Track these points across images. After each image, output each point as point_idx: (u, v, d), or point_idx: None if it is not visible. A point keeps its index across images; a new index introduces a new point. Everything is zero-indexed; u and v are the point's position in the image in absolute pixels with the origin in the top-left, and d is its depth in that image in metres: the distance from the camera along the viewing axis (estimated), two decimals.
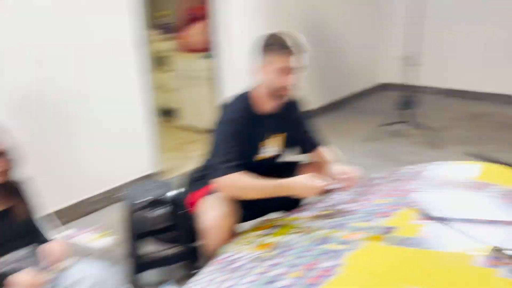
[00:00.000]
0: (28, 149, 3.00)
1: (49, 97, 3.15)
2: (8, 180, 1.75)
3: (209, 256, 2.05)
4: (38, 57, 3.03)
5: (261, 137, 2.08)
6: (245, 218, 2.14)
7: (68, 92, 3.24)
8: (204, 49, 5.03)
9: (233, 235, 1.97)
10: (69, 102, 3.27)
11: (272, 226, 1.93)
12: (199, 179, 2.29)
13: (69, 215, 3.36)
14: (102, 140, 3.53)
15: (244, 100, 2.03)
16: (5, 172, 1.71)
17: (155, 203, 2.52)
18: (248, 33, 4.59)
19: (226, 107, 2.06)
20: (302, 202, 2.26)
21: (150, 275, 2.55)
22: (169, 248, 2.83)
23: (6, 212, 1.73)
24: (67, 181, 3.35)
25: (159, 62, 5.56)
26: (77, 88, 3.29)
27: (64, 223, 3.26)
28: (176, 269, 2.63)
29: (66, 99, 3.24)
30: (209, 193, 2.10)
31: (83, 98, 3.34)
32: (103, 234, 1.91)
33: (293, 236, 1.74)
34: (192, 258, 2.56)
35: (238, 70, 4.63)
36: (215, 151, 1.96)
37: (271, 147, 2.14)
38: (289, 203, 2.19)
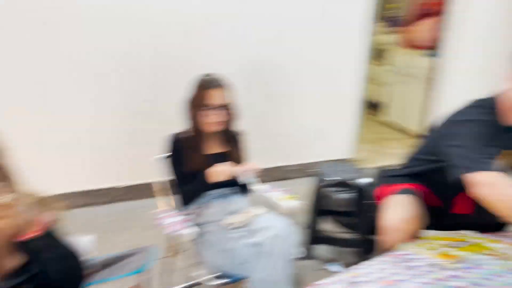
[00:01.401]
0: (245, 109, 3.48)
1: (271, 71, 3.51)
2: (228, 129, 2.06)
3: (384, 252, 2.02)
4: (277, 35, 3.39)
5: (497, 150, 1.81)
6: (432, 227, 2.01)
7: (288, 67, 3.54)
8: (429, 46, 4.76)
9: (414, 238, 1.89)
10: (286, 77, 3.57)
11: (462, 240, 1.77)
12: (394, 176, 2.24)
13: (266, 176, 3.74)
14: (309, 118, 3.76)
15: (490, 106, 1.81)
16: (227, 122, 2.02)
17: (343, 185, 2.59)
18: (485, 37, 4.13)
19: (468, 108, 1.88)
20: (506, 227, 2.00)
21: (322, 250, 2.65)
22: (346, 232, 2.88)
23: (223, 154, 2.05)
24: (271, 146, 3.71)
25: (377, 54, 5.52)
26: (296, 66, 3.56)
27: (264, 181, 3.68)
28: (347, 253, 2.68)
29: (284, 73, 3.55)
30: (398, 192, 2.04)
31: (299, 76, 3.60)
32: (292, 196, 2.08)
33: (484, 257, 1.57)
34: (366, 248, 2.55)
35: (463, 73, 4.24)
36: (460, 148, 1.76)
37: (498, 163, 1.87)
38: (490, 225, 1.96)
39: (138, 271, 1.44)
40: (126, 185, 3.36)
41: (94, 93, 3.07)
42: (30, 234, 1.03)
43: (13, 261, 1.03)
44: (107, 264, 1.48)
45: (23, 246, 1.04)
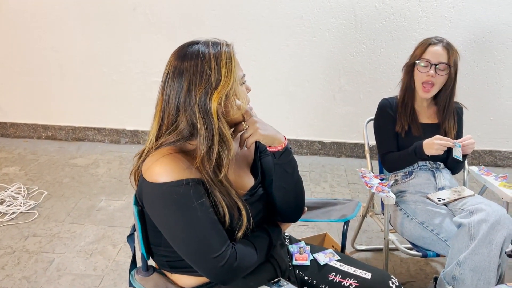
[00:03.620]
0: (467, 82, 3.18)
1: (503, 42, 3.08)
2: (445, 99, 1.91)
3: None
4: None
5: None
6: None
7: None
8: None
9: None
10: None
11: None
12: None
13: (475, 159, 3.43)
14: None
15: None
16: (445, 89, 1.86)
17: None
18: None
19: None
20: None
21: None
22: None
23: (437, 126, 1.94)
24: (486, 127, 3.34)
25: None
26: None
27: (472, 164, 3.38)
28: None
29: None
30: None
31: None
32: (507, 185, 1.87)
33: None
34: None
35: None
36: None
37: None
38: None
39: (344, 220, 1.55)
40: (326, 141, 3.54)
41: (308, 52, 3.24)
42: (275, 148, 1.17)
43: (250, 181, 1.23)
44: (315, 206, 1.64)
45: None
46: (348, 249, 2.35)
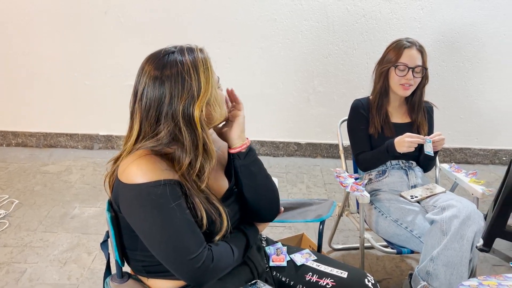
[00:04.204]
0: (437, 81, 3.26)
1: (470, 43, 3.17)
2: (417, 98, 1.96)
3: None
4: None
5: None
6: None
7: (490, 39, 3.16)
8: None
9: None
10: (486, 49, 3.19)
11: None
12: None
13: (447, 156, 3.52)
14: (506, 99, 3.33)
15: None
16: (417, 89, 1.92)
17: None
18: None
19: None
20: None
21: (501, 244, 2.42)
22: None
23: (409, 125, 1.99)
24: (457, 125, 3.43)
25: None
26: (502, 38, 3.14)
27: (444, 161, 3.48)
28: None
29: (484, 45, 3.18)
30: None
31: (502, 49, 3.18)
32: (478, 181, 1.92)
33: None
34: None
35: None
36: None
37: None
38: None
39: (319, 220, 1.56)
40: (301, 142, 3.56)
41: (282, 54, 3.26)
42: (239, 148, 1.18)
43: (225, 183, 1.23)
44: (291, 207, 1.64)
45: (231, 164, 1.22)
46: (325, 248, 2.38)
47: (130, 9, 3.15)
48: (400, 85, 1.88)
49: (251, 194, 1.21)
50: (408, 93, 1.91)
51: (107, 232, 1.22)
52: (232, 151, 1.18)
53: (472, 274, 1.68)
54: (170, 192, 1.01)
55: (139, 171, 1.01)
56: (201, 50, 1.11)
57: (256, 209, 1.24)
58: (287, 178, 3.25)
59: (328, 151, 3.56)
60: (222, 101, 1.14)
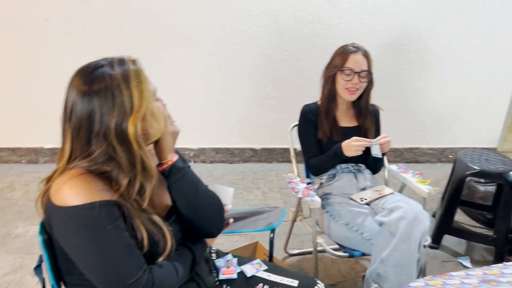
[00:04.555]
0: (383, 83, 3.35)
1: (415, 45, 3.29)
2: (363, 102, 1.99)
3: None
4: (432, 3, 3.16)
5: None
6: None
7: (436, 42, 3.28)
8: None
9: None
10: (430, 52, 3.31)
11: None
12: None
13: (396, 156, 3.61)
14: (451, 99, 3.47)
15: None
16: (364, 94, 1.95)
17: (486, 176, 2.37)
18: None
19: None
20: None
21: (449, 240, 2.50)
22: (483, 227, 2.67)
23: (356, 128, 2.02)
24: (405, 125, 3.53)
25: None
26: (446, 40, 3.27)
27: (394, 161, 3.57)
28: (478, 249, 2.48)
29: (429, 49, 3.29)
30: None
31: (445, 51, 3.31)
32: (424, 181, 1.98)
33: None
34: (501, 249, 2.34)
35: None
36: None
37: None
38: None
39: (270, 228, 1.55)
40: (257, 148, 3.55)
41: (233, 60, 3.25)
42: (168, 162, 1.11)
43: (168, 200, 1.18)
44: (242, 217, 1.62)
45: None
46: (281, 254, 2.37)
47: (73, 16, 3.02)
48: (346, 89, 1.91)
49: (186, 212, 1.16)
50: (354, 97, 1.94)
51: (41, 256, 1.14)
52: (160, 168, 1.12)
53: (420, 273, 1.71)
54: (106, 214, 0.95)
55: (72, 193, 0.95)
56: (133, 62, 1.04)
57: (196, 226, 1.19)
58: (243, 185, 3.22)
59: (283, 155, 3.56)
60: (160, 115, 1.07)
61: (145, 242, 1.01)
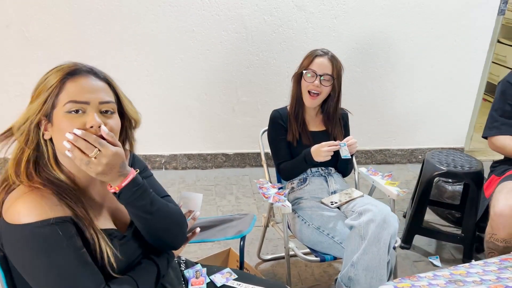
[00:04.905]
0: (351, 87, 3.39)
1: (382, 48, 3.34)
2: (331, 107, 1.98)
3: (494, 248, 1.88)
4: (394, 6, 3.22)
5: None
6: None
7: (401, 44, 3.34)
8: None
9: None
10: (397, 54, 3.36)
11: None
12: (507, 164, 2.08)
13: (367, 158, 3.66)
14: (417, 100, 3.53)
15: None
16: (330, 98, 1.95)
17: (452, 175, 2.42)
18: None
19: None
20: None
21: (420, 240, 2.54)
22: (451, 225, 2.73)
23: (325, 133, 2.03)
24: (374, 127, 3.58)
25: (507, 32, 4.94)
26: (411, 42, 3.34)
27: (366, 163, 3.62)
28: (448, 248, 2.53)
29: (395, 50, 3.35)
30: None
31: (411, 52, 3.37)
32: (393, 182, 2.00)
33: None
34: (469, 247, 2.39)
35: None
36: None
37: None
38: None
39: (240, 236, 1.53)
40: (229, 153, 3.53)
41: (203, 65, 3.22)
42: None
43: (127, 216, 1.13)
44: (211, 225, 1.59)
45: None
46: (255, 260, 2.36)
47: (35, 22, 2.93)
48: (308, 92, 1.92)
49: (144, 232, 1.11)
50: (315, 103, 1.95)
51: None
52: (109, 189, 1.03)
53: (391, 275, 1.73)
54: (61, 232, 0.92)
55: (25, 209, 0.91)
56: (58, 70, 1.03)
57: (155, 241, 1.15)
58: (216, 191, 3.19)
59: (256, 160, 3.55)
60: (64, 130, 0.98)
61: (105, 255, 0.98)
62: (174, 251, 1.24)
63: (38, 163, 1.00)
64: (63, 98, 0.98)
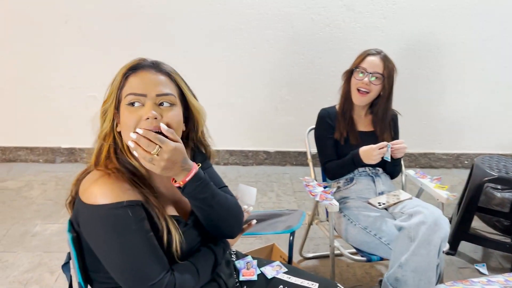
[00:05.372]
0: (400, 88, 3.33)
1: (432, 51, 3.27)
2: (380, 108, 1.97)
3: None
4: (447, 8, 3.15)
5: None
6: None
7: (452, 48, 3.26)
8: None
9: None
10: (447, 58, 3.29)
11: None
12: None
13: (411, 161, 3.60)
14: (467, 104, 3.45)
15: None
16: (379, 98, 1.94)
17: (505, 182, 2.35)
18: None
19: None
20: None
21: (465, 247, 2.48)
22: (501, 234, 2.65)
23: (373, 133, 2.02)
24: (420, 130, 3.52)
25: None
26: (462, 46, 3.26)
27: (409, 166, 3.56)
28: (495, 256, 2.46)
29: (445, 54, 3.28)
30: None
31: (462, 56, 3.29)
32: (442, 186, 1.97)
33: None
34: None
35: None
36: None
37: None
38: None
39: (289, 231, 1.55)
40: (270, 151, 3.56)
41: (248, 64, 3.26)
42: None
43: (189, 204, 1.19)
44: (261, 219, 1.62)
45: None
46: (296, 257, 2.37)
47: (91, 19, 3.07)
48: (357, 90, 1.91)
49: (204, 222, 1.16)
50: (363, 101, 1.94)
51: (69, 253, 1.16)
52: (174, 184, 1.07)
53: (439, 279, 1.70)
54: (132, 214, 0.97)
55: (101, 191, 0.97)
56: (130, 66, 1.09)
57: (214, 231, 1.19)
58: (257, 187, 3.20)
59: (297, 158, 3.57)
60: (124, 121, 1.04)
61: (176, 244, 1.03)
62: (229, 241, 1.28)
63: (115, 151, 1.06)
64: (125, 91, 1.03)
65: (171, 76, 1.10)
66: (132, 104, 1.02)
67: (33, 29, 3.08)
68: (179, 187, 1.06)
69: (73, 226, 1.09)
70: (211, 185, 1.11)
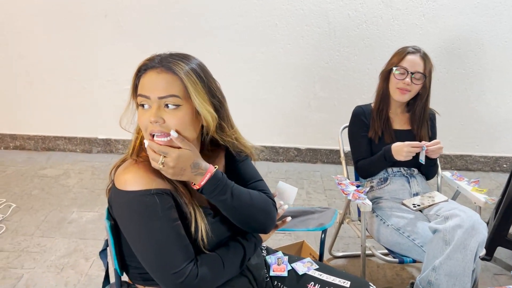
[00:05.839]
0: (438, 88, 3.25)
1: (472, 50, 3.17)
2: (418, 106, 1.92)
3: None
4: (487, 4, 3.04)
5: None
6: None
7: (492, 46, 3.15)
8: None
9: None
10: (487, 57, 3.19)
11: None
12: None
13: (447, 163, 3.50)
14: (507, 106, 3.32)
15: None
16: (418, 97, 1.90)
17: None
18: None
19: None
20: None
21: (502, 253, 2.40)
22: None
23: (410, 132, 1.98)
24: (457, 131, 3.42)
25: None
26: (502, 44, 3.14)
27: (444, 168, 3.47)
28: None
29: (485, 53, 3.17)
30: None
31: (502, 56, 3.17)
32: (480, 189, 1.90)
33: None
34: None
35: None
36: None
37: None
38: None
39: (321, 229, 1.54)
40: (301, 148, 3.54)
41: (283, 59, 3.25)
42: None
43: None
44: (293, 215, 1.62)
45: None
46: (326, 256, 2.36)
47: (130, 13, 3.13)
48: (397, 88, 1.87)
49: (232, 220, 1.16)
50: (405, 98, 1.90)
51: (106, 240, 1.20)
52: (194, 187, 1.08)
53: (474, 285, 1.66)
54: (160, 202, 1.00)
55: (131, 178, 1.01)
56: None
57: (244, 227, 1.19)
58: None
59: (328, 156, 3.54)
60: (141, 120, 1.05)
61: (202, 233, 1.05)
62: (262, 236, 1.28)
63: None
64: (138, 91, 1.05)
65: (178, 74, 1.01)
66: (142, 105, 1.04)
67: (74, 22, 3.18)
68: (197, 190, 1.07)
69: (111, 214, 1.13)
70: (230, 185, 1.10)
